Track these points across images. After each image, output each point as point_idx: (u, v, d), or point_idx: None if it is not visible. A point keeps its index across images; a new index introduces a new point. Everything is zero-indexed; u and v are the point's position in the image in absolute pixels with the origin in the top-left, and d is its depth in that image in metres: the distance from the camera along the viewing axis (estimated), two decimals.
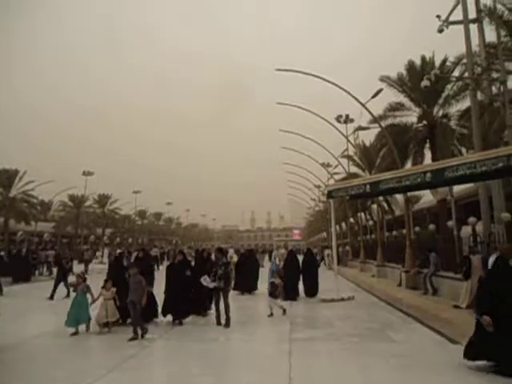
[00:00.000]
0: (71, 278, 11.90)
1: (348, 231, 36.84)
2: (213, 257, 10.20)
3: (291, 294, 11.86)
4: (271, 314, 9.19)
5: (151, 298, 8.20)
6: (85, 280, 8.17)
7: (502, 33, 11.88)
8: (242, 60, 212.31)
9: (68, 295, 12.14)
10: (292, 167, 39.67)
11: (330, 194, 11.53)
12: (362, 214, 33.59)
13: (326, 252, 29.54)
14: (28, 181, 38.70)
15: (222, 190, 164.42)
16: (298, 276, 12.66)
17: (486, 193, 11.22)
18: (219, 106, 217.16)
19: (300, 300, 12.15)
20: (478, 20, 12.17)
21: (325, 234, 53.42)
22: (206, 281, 8.14)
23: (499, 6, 12.07)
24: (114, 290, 7.82)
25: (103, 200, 56.12)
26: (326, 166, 35.02)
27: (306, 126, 29.76)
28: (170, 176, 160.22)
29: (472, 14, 12.43)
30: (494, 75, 11.89)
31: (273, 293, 9.43)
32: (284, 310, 9.33)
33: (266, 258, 34.99)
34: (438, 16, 12.68)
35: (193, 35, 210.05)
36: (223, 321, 7.92)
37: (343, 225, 40.53)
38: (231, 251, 34.29)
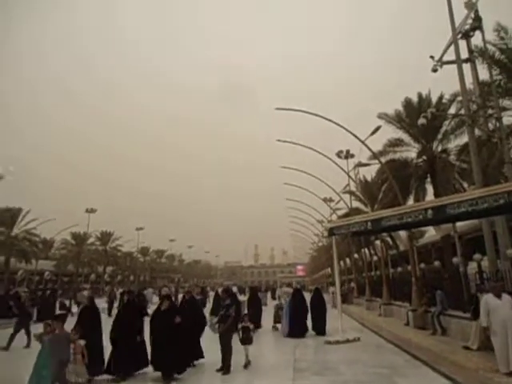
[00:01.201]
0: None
1: (352, 267, 36.22)
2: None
3: (300, 331, 12.60)
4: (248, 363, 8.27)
5: (141, 346, 7.64)
6: (59, 328, 5.88)
7: (495, 71, 12.20)
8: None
9: (28, 345, 10.91)
10: (294, 203, 39.66)
11: (331, 231, 11.41)
12: (366, 249, 33.18)
13: (331, 289, 28.87)
14: (31, 219, 38.83)
15: (226, 225, 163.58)
16: (305, 314, 13.21)
17: (490, 228, 11.07)
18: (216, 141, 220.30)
19: (307, 339, 12.42)
20: (470, 60, 12.54)
21: (329, 269, 52.55)
22: (212, 327, 8.00)
23: (490, 47, 12.50)
24: (81, 342, 6.15)
25: (105, 237, 55.90)
26: (328, 200, 34.99)
27: (307, 160, 30.01)
28: (174, 212, 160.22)
29: (465, 54, 12.86)
30: (490, 112, 12.09)
31: (247, 339, 8.32)
32: (248, 362, 8.29)
33: (269, 295, 34.22)
34: (432, 57, 13.10)
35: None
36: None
37: (347, 260, 39.90)
38: (234, 288, 33.76)
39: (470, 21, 12.64)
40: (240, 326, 8.42)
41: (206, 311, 12.31)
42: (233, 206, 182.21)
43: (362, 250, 32.63)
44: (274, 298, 30.35)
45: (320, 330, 13.04)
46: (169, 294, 8.65)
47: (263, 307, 17.53)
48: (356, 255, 35.73)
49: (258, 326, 14.61)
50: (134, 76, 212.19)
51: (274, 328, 14.72)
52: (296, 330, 12.61)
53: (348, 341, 11.29)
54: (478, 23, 12.37)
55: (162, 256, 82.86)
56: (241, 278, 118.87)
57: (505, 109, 12.21)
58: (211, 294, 24.45)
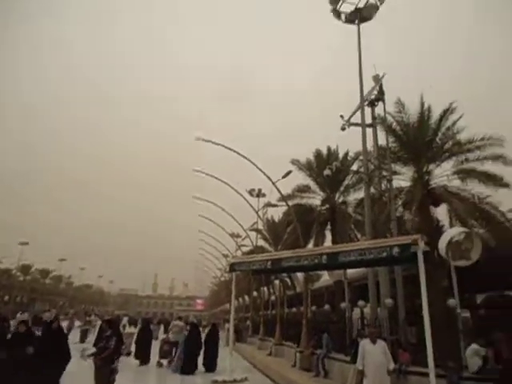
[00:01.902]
0: None
1: (250, 305, 36.43)
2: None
3: (190, 368, 12.53)
4: None
5: None
6: None
7: (391, 139, 13.92)
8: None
9: None
10: (200, 234, 39.27)
11: (232, 267, 11.40)
12: (266, 288, 33.81)
13: (227, 326, 28.51)
14: None
15: (126, 249, 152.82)
16: (198, 350, 13.21)
17: (374, 278, 12.12)
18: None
19: (195, 377, 12.22)
20: (372, 125, 14.19)
21: (228, 305, 52.09)
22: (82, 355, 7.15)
23: (389, 117, 14.31)
24: None
25: None
26: (235, 236, 35.36)
27: (216, 194, 30.29)
28: (68, 228, 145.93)
29: (369, 119, 14.51)
30: (384, 173, 13.63)
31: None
32: None
33: (162, 329, 32.39)
34: (342, 116, 14.54)
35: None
36: None
37: (246, 298, 40.10)
38: (125, 319, 31.24)
39: (375, 92, 14.43)
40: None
41: None
42: (136, 230, 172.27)
43: (262, 288, 33.16)
44: (166, 331, 28.76)
45: (210, 366, 13.17)
46: (25, 320, 7.88)
47: (154, 341, 16.74)
48: (255, 293, 36.13)
49: (145, 361, 14.13)
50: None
51: (159, 364, 13.97)
52: (187, 367, 12.63)
53: (235, 381, 11.11)
54: (381, 95, 14.16)
55: (47, 276, 74.32)
56: (135, 308, 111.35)
57: (395, 173, 13.86)
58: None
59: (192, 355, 12.92)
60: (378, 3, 14.67)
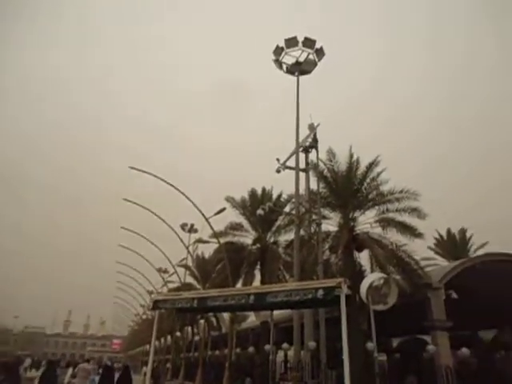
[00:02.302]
0: None
1: (172, 346, 34.49)
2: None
3: None
4: None
5: None
6: None
7: (322, 185, 14.68)
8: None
9: None
10: (125, 268, 37.06)
11: (156, 305, 10.74)
12: (190, 328, 32.40)
13: (144, 369, 26.52)
14: None
15: (34, 282, 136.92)
16: None
17: (299, 320, 12.24)
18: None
19: None
20: (305, 170, 14.91)
21: (148, 346, 48.78)
22: None
23: (322, 164, 15.17)
24: None
25: None
26: (162, 271, 33.89)
27: (147, 226, 29.14)
28: None
29: (303, 165, 15.26)
30: (314, 217, 14.21)
31: None
32: None
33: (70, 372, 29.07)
34: (278, 159, 15.14)
35: None
36: None
37: (169, 338, 38.00)
38: (27, 361, 27.54)
39: (310, 140, 15.32)
40: None
41: None
42: (47, 261, 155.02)
43: (186, 327, 31.71)
44: (74, 376, 25.89)
45: None
46: None
47: None
48: (178, 333, 34.39)
49: None
50: None
51: None
52: None
53: None
54: (315, 143, 15.07)
55: None
56: (41, 349, 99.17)
57: (324, 217, 14.51)
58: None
59: None
60: (317, 60, 15.98)
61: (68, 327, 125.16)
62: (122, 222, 29.35)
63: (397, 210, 13.95)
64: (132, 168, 18.81)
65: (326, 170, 15.09)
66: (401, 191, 14.03)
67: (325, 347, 11.78)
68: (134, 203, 22.51)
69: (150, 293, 41.07)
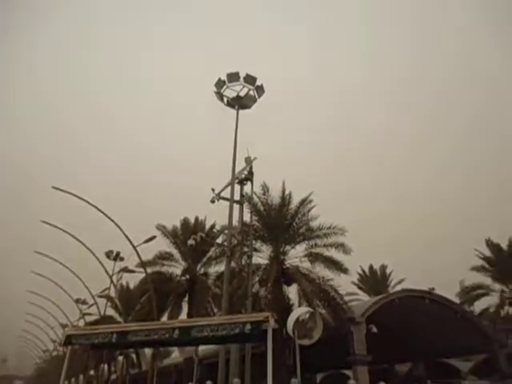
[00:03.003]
0: None
1: None
2: None
3: None
4: None
5: None
6: None
7: (255, 217, 14.85)
8: None
9: None
10: (36, 297, 33.55)
11: (68, 340, 9.76)
12: (106, 365, 29.82)
13: None
14: None
15: None
16: None
17: (225, 355, 11.89)
18: None
19: None
20: (240, 202, 15.02)
21: None
22: None
23: (256, 197, 15.40)
24: None
25: None
26: (80, 302, 31.21)
27: (73, 254, 26.90)
28: None
29: (238, 196, 15.35)
30: (245, 249, 14.22)
31: None
32: None
33: None
34: (213, 189, 15.07)
35: None
36: None
37: (81, 378, 34.50)
38: None
39: (245, 172, 15.55)
40: None
41: None
42: None
43: (102, 365, 29.12)
44: None
45: None
46: None
47: None
48: (92, 371, 31.42)
49: None
50: None
51: None
52: None
53: None
54: (250, 176, 15.32)
55: None
56: None
57: (256, 250, 14.62)
58: None
59: None
60: (257, 97, 16.58)
61: None
62: (38, 246, 26.75)
63: (324, 245, 14.53)
64: (55, 188, 17.49)
65: (259, 203, 15.36)
66: (329, 227, 14.69)
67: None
68: (54, 226, 20.78)
69: (64, 326, 37.36)
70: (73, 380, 36.56)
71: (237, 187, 15.54)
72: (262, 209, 15.00)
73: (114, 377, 30.82)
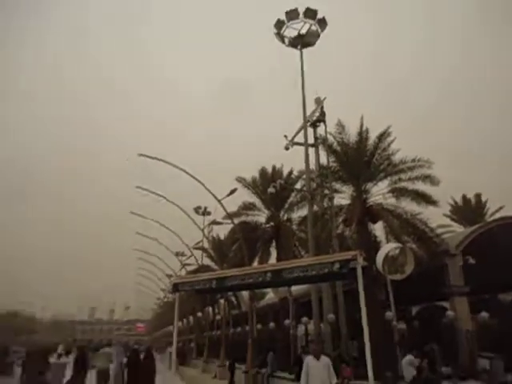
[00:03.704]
0: None
1: (195, 326, 35.43)
2: None
3: None
4: None
5: None
6: None
7: (332, 159, 14.53)
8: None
9: None
10: (144, 254, 37.78)
11: (175, 288, 10.98)
12: (211, 308, 33.12)
13: (169, 349, 27.39)
14: None
15: (60, 273, 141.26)
16: (138, 377, 12.31)
17: (317, 294, 12.37)
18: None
19: None
20: (314, 145, 14.74)
21: (171, 328, 50.13)
22: None
23: (331, 138, 14.96)
24: None
25: None
26: (179, 255, 34.45)
27: (165, 212, 29.48)
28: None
29: (312, 140, 15.07)
30: (326, 191, 14.14)
31: None
32: None
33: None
34: (286, 136, 14.97)
35: None
36: None
37: (191, 318, 38.98)
38: (60, 347, 28.87)
39: (317, 114, 15.06)
40: None
41: None
42: (72, 251, 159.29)
43: (207, 308, 32.43)
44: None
45: None
46: None
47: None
48: (200, 313, 35.22)
49: None
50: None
51: None
52: None
53: None
54: (323, 117, 14.82)
55: None
56: (70, 335, 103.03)
57: (336, 191, 14.43)
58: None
59: (134, 382, 12.23)
60: (320, 31, 15.51)
61: (94, 314, 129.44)
62: (138, 211, 29.61)
63: (409, 179, 13.77)
64: (142, 155, 18.84)
65: (335, 144, 14.90)
66: (413, 160, 13.81)
67: (344, 319, 11.93)
68: (147, 190, 22.71)
69: (170, 276, 41.93)
70: (184, 321, 41.54)
71: (310, 131, 15.23)
72: (338, 149, 14.54)
73: (218, 317, 34.23)
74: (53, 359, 18.56)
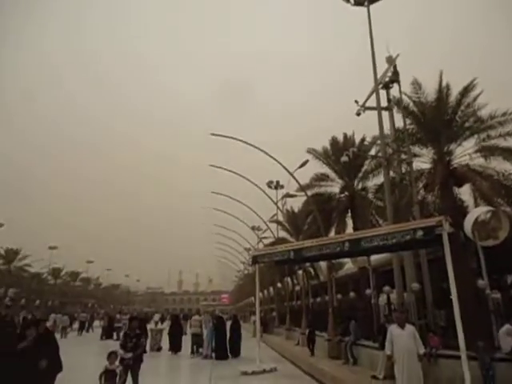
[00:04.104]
0: None
1: (275, 296, 36.64)
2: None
3: (222, 355, 14.45)
4: None
5: None
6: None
7: (408, 121, 13.59)
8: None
9: None
10: (222, 230, 39.57)
11: (255, 259, 11.47)
12: (289, 279, 33.86)
13: (253, 318, 28.75)
14: None
15: (150, 249, 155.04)
16: (225, 339, 15.03)
17: (399, 262, 11.95)
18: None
19: (224, 366, 13.27)
20: (388, 108, 13.88)
21: (253, 298, 52.44)
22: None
23: (406, 98, 13.95)
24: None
25: (10, 255, 50.24)
26: (255, 229, 35.47)
27: (236, 189, 30.41)
28: (93, 233, 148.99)
29: (385, 103, 14.20)
30: (403, 156, 13.35)
31: None
32: None
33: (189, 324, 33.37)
34: (357, 101, 14.28)
35: None
36: None
37: (271, 289, 40.33)
38: (156, 316, 32.24)
39: (389, 74, 14.08)
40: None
41: None
42: (159, 228, 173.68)
43: (286, 279, 33.24)
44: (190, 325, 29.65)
45: (236, 352, 15.02)
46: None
47: (183, 336, 17.82)
48: (279, 284, 36.24)
49: (177, 351, 16.41)
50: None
51: (193, 354, 15.65)
52: (220, 354, 14.51)
53: (264, 371, 11.21)
54: (395, 77, 13.82)
55: (76, 279, 76.40)
56: (162, 305, 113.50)
57: (415, 155, 13.54)
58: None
59: (222, 344, 14.84)
60: None
61: (181, 286, 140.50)
62: (212, 188, 30.93)
63: (500, 136, 12.40)
64: (213, 135, 19.46)
65: (411, 104, 13.88)
66: (503, 114, 12.36)
67: (430, 288, 11.41)
68: (220, 168, 23.49)
69: (248, 250, 43.53)
70: (265, 292, 43.15)
71: (382, 93, 14.34)
72: (415, 109, 13.54)
73: (297, 288, 34.95)
74: (150, 326, 20.68)
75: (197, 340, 15.94)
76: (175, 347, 16.34)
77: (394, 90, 13.95)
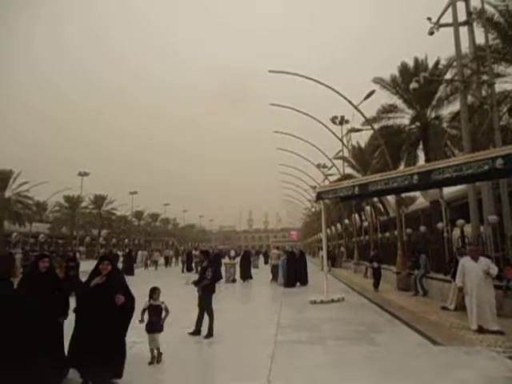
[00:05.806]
0: None
1: (343, 232, 36.90)
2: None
3: (291, 283, 16.41)
4: None
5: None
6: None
7: (491, 36, 11.93)
8: (237, 62, 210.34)
9: None
10: (287, 168, 39.70)
11: (319, 196, 11.52)
12: (357, 215, 33.63)
13: (321, 253, 29.53)
14: (23, 182, 38.61)
15: (220, 191, 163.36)
16: (295, 270, 16.85)
17: (475, 195, 11.24)
18: (216, 108, 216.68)
19: (295, 288, 16.05)
20: (467, 22, 12.22)
21: (320, 235, 53.32)
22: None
23: (490, 8, 12.13)
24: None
25: (99, 201, 55.94)
26: (321, 167, 35.04)
27: (299, 128, 29.77)
28: (168, 177, 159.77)
29: (462, 17, 12.50)
30: (484, 78, 11.94)
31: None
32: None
33: (262, 258, 35.48)
34: (429, 18, 12.72)
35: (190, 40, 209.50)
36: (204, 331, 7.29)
37: (339, 226, 40.58)
38: (232, 252, 34.83)
39: None
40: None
41: None
42: (228, 172, 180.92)
43: (353, 215, 33.08)
44: (266, 262, 31.38)
45: (303, 281, 16.81)
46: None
47: (255, 270, 19.98)
48: (347, 221, 36.27)
49: (248, 279, 19.10)
50: (131, 75, 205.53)
51: (272, 281, 18.31)
52: (289, 282, 16.40)
53: (332, 301, 11.70)
54: None
55: (157, 220, 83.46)
56: (235, 243, 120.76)
57: (499, 75, 12.05)
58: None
59: (292, 274, 16.67)
60: None
61: (252, 225, 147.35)
62: (273, 127, 30.68)
63: None
64: (271, 71, 18.86)
65: (496, 15, 12.08)
66: None
67: (510, 220, 10.68)
68: (281, 106, 23.01)
69: (313, 188, 43.50)
70: (332, 228, 43.60)
71: (460, 6, 12.56)
72: (501, 20, 11.78)
73: (365, 224, 34.74)
74: (225, 260, 22.36)
75: (274, 270, 18.44)
76: (244, 276, 19.05)
77: (476, 1, 12.18)
